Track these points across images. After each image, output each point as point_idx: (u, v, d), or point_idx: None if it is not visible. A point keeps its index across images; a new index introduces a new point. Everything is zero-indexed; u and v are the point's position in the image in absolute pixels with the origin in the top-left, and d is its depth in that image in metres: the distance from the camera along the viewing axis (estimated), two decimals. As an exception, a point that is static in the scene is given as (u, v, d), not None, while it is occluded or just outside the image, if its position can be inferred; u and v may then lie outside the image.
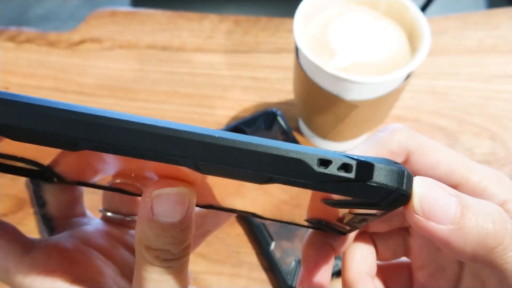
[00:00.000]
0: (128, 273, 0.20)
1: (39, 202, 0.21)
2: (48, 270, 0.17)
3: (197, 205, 0.20)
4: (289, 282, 0.36)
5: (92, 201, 0.27)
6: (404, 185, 0.13)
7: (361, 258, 0.19)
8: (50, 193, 0.20)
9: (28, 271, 0.17)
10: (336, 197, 0.14)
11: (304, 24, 0.35)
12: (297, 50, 0.35)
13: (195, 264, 0.39)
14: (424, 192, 0.13)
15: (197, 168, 0.12)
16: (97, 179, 0.19)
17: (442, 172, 0.17)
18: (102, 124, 0.12)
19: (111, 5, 0.60)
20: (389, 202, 0.13)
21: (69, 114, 0.12)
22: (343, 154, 0.12)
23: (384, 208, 0.13)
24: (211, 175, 0.13)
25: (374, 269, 0.20)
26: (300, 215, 0.18)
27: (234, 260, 0.39)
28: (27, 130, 0.12)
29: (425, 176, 0.16)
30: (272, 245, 0.37)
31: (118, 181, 0.20)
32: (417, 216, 0.13)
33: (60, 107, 0.12)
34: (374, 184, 0.12)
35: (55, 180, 0.18)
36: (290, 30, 0.54)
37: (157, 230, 0.14)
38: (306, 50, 0.33)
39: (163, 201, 0.14)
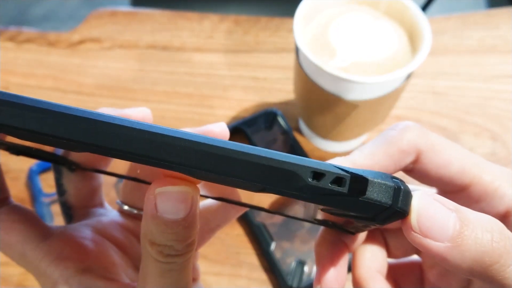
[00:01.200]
0: (140, 266, 0.21)
1: (60, 190, 0.21)
2: (63, 257, 0.18)
3: (209, 197, 0.20)
4: (289, 283, 0.35)
5: (108, 196, 0.27)
6: (400, 202, 0.12)
7: (371, 255, 0.19)
8: (71, 181, 0.21)
9: (43, 257, 0.17)
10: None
11: (304, 24, 0.35)
12: (297, 50, 0.35)
13: (195, 264, 0.39)
14: (422, 208, 0.13)
15: (191, 174, 0.12)
16: (113, 167, 0.20)
17: (453, 171, 0.16)
18: (101, 128, 0.12)
19: (111, 5, 0.60)
20: (383, 218, 0.12)
21: (70, 119, 0.12)
22: (338, 166, 0.12)
23: (379, 223, 0.13)
24: (206, 181, 0.13)
25: (384, 267, 0.20)
26: (309, 214, 0.19)
27: (234, 261, 0.39)
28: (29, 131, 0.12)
29: (436, 175, 0.16)
30: (272, 246, 0.37)
31: (138, 171, 0.20)
32: (414, 233, 0.13)
33: (62, 110, 0.12)
34: (367, 200, 0.12)
35: (73, 167, 0.18)
36: (290, 30, 0.54)
37: (161, 226, 0.15)
38: (306, 50, 0.33)
39: (166, 198, 0.14)
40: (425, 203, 0.13)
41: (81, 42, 0.54)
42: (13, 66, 0.52)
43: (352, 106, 0.34)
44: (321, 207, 0.15)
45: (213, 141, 0.12)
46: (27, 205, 0.42)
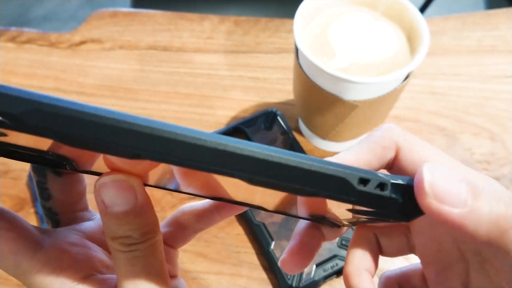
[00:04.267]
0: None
1: (43, 194, 0.21)
2: (62, 267, 0.17)
3: (206, 197, 0.20)
4: (289, 282, 0.36)
5: (91, 201, 0.27)
6: None
7: (362, 254, 0.20)
8: (57, 186, 0.21)
9: (41, 268, 0.17)
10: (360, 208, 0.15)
11: (304, 25, 0.36)
12: (297, 50, 0.36)
13: (195, 264, 0.39)
14: (435, 176, 0.13)
15: (250, 182, 0.13)
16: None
17: None
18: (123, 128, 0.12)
19: (112, 6, 0.61)
20: (415, 216, 0.14)
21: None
22: (378, 174, 0.14)
23: (409, 220, 0.15)
24: (264, 188, 0.14)
25: (373, 266, 0.20)
26: (305, 211, 0.19)
27: (234, 260, 0.39)
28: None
29: (412, 172, 0.17)
30: (272, 245, 0.38)
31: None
32: (430, 200, 0.13)
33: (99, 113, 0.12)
34: (403, 203, 0.14)
35: (68, 168, 0.18)
36: (290, 31, 0.54)
37: (113, 220, 0.16)
38: (306, 51, 0.33)
39: (108, 190, 0.15)
40: (437, 170, 0.14)
41: (82, 42, 0.54)
42: (14, 67, 0.52)
43: (352, 106, 0.34)
44: (350, 207, 0.16)
45: (270, 149, 0.13)
46: (28, 206, 0.43)
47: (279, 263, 0.19)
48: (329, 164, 0.13)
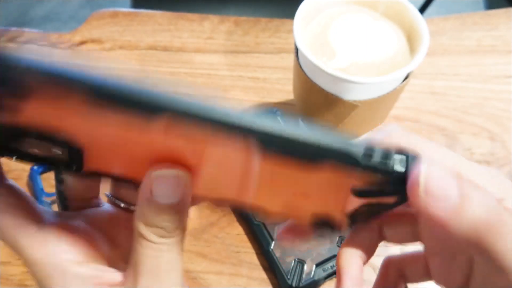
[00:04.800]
0: (129, 257, 0.21)
1: (57, 177, 0.21)
2: (58, 249, 0.18)
3: (212, 201, 0.20)
4: (289, 282, 0.36)
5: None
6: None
7: (360, 240, 0.20)
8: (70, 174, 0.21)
9: (38, 247, 0.17)
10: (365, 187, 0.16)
11: (304, 25, 0.36)
12: (297, 50, 0.36)
13: (195, 263, 0.39)
14: (429, 175, 0.14)
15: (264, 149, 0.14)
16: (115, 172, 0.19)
17: None
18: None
19: (112, 6, 0.61)
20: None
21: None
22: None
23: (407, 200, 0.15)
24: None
25: (368, 252, 0.20)
26: (307, 212, 0.19)
27: (234, 260, 0.39)
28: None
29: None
30: (272, 245, 0.38)
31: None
32: (421, 197, 0.14)
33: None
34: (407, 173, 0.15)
35: (74, 168, 0.18)
36: (290, 31, 0.54)
37: (155, 209, 0.16)
38: (306, 51, 0.33)
39: (162, 182, 0.16)
40: (433, 169, 0.15)
41: (82, 43, 0.55)
42: (15, 67, 0.53)
43: (352, 106, 0.35)
44: (350, 188, 0.16)
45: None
46: (29, 205, 0.43)
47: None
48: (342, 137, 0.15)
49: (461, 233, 0.14)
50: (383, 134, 0.18)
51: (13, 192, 0.18)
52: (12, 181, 0.18)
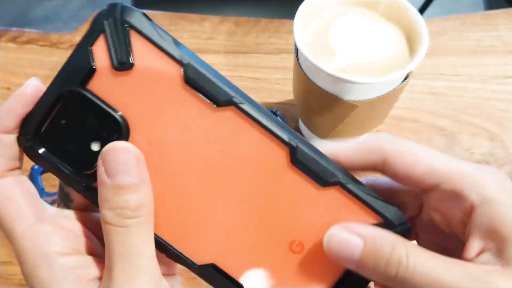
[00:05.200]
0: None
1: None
2: (49, 242, 0.18)
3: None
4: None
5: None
6: None
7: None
8: None
9: (30, 238, 0.17)
10: None
11: (304, 25, 0.36)
12: (297, 51, 0.36)
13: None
14: (331, 242, 0.17)
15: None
16: None
17: (420, 172, 0.17)
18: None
19: (112, 6, 0.61)
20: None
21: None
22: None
23: None
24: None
25: None
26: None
27: (234, 259, 0.39)
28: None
29: (404, 175, 0.18)
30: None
31: None
32: (329, 254, 0.17)
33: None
34: None
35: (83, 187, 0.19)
36: (290, 31, 0.54)
37: (112, 190, 0.16)
38: (306, 51, 0.33)
39: (111, 158, 0.16)
40: (335, 234, 0.17)
41: (82, 43, 0.55)
42: (15, 67, 0.53)
43: (351, 106, 0.35)
44: None
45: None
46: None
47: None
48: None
49: (377, 275, 0.17)
50: (368, 138, 0.18)
51: (20, 183, 0.18)
52: (23, 176, 0.19)
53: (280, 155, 0.18)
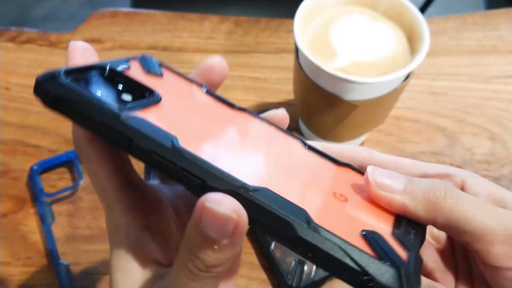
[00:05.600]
0: (166, 244, 0.21)
1: None
2: (134, 208, 0.19)
3: None
4: (289, 282, 0.36)
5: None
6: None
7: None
8: None
9: (119, 200, 0.18)
10: None
11: (304, 25, 0.36)
12: (297, 50, 0.36)
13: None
14: (375, 172, 0.18)
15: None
16: None
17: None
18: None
19: (112, 6, 0.61)
20: None
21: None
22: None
23: None
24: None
25: None
26: None
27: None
28: None
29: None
30: (272, 245, 0.38)
31: None
32: (374, 188, 0.17)
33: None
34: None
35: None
36: (290, 31, 0.54)
37: (200, 236, 0.15)
38: (306, 51, 0.33)
39: (211, 215, 0.15)
40: (376, 169, 0.18)
41: (82, 42, 0.54)
42: (14, 67, 0.52)
43: (352, 106, 0.34)
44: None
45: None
46: (28, 206, 0.43)
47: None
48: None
49: (419, 210, 0.17)
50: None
51: (118, 154, 0.19)
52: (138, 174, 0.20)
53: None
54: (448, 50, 0.51)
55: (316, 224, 0.15)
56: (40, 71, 0.57)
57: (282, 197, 0.16)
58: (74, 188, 0.43)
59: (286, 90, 0.49)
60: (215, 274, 0.16)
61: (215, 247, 0.15)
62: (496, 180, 0.43)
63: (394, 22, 0.36)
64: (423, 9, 0.90)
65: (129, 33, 0.55)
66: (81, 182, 0.43)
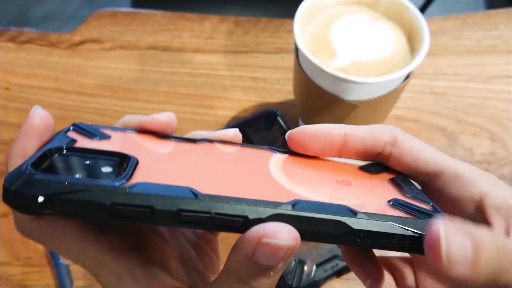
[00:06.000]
0: (184, 260, 0.21)
1: None
2: (126, 249, 0.18)
3: None
4: (289, 282, 0.36)
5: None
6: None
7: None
8: None
9: (107, 250, 0.17)
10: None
11: (304, 25, 0.36)
12: (297, 50, 0.36)
13: (195, 263, 0.39)
14: (449, 240, 0.14)
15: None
16: None
17: (425, 157, 0.19)
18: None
19: (112, 6, 0.61)
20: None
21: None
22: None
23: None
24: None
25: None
26: None
27: (234, 260, 0.39)
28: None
29: (411, 158, 0.19)
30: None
31: None
32: (444, 263, 0.14)
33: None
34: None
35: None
36: (290, 31, 0.54)
37: (254, 268, 0.15)
38: (306, 51, 0.33)
39: (270, 249, 0.14)
40: (451, 233, 0.14)
41: (82, 42, 0.54)
42: (14, 67, 0.52)
43: (352, 106, 0.34)
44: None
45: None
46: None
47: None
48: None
49: (480, 283, 0.15)
50: (384, 125, 0.20)
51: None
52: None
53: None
54: (448, 50, 0.51)
55: (361, 212, 0.15)
56: (40, 71, 0.57)
57: (318, 201, 0.16)
58: (74, 188, 0.43)
59: (286, 90, 0.49)
60: None
61: (271, 273, 0.15)
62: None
63: (394, 22, 0.36)
64: (423, 9, 0.90)
65: (129, 33, 0.55)
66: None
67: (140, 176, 0.15)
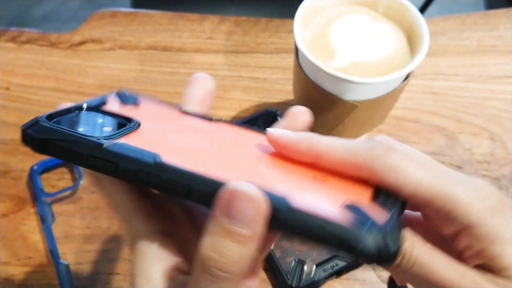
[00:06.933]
0: (186, 250, 0.21)
1: None
2: (151, 214, 0.19)
3: None
4: (289, 282, 0.36)
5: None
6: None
7: None
8: None
9: (137, 210, 0.19)
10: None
11: (304, 25, 0.36)
12: (297, 50, 0.36)
13: (195, 263, 0.39)
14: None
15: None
16: None
17: (407, 193, 0.17)
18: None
19: (112, 6, 0.61)
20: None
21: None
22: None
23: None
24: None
25: None
26: None
27: (234, 260, 0.39)
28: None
29: (394, 188, 0.18)
30: (272, 245, 0.38)
31: None
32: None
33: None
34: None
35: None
36: (290, 31, 0.54)
37: (221, 229, 0.15)
38: (306, 51, 0.33)
39: (238, 202, 0.15)
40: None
41: (82, 42, 0.55)
42: (14, 67, 0.52)
43: (352, 106, 0.35)
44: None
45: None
46: (28, 206, 0.43)
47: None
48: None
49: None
50: (361, 156, 0.18)
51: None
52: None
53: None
54: (447, 50, 0.51)
55: (294, 207, 0.15)
56: (40, 71, 0.57)
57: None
58: (74, 188, 0.43)
59: (286, 90, 0.49)
60: (234, 276, 0.16)
61: (237, 238, 0.15)
62: (496, 180, 0.43)
63: (394, 22, 0.36)
64: (423, 9, 0.90)
65: (129, 33, 0.55)
66: (81, 182, 0.43)
67: (130, 139, 0.18)
